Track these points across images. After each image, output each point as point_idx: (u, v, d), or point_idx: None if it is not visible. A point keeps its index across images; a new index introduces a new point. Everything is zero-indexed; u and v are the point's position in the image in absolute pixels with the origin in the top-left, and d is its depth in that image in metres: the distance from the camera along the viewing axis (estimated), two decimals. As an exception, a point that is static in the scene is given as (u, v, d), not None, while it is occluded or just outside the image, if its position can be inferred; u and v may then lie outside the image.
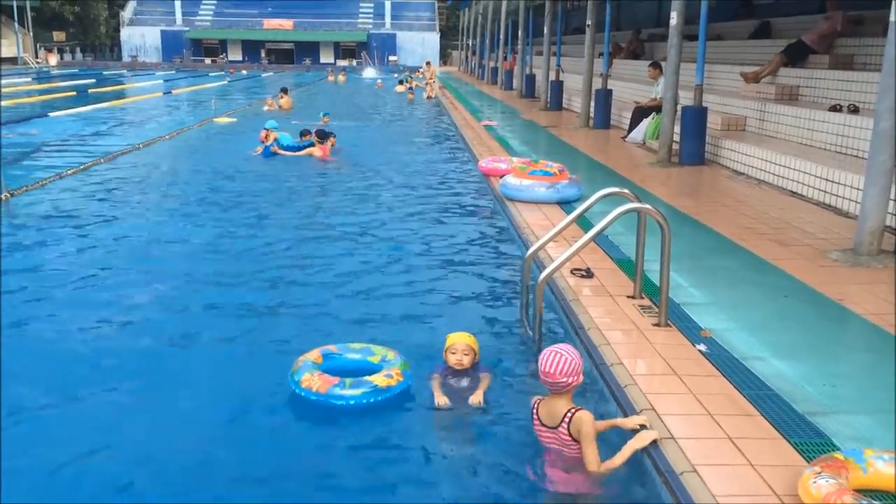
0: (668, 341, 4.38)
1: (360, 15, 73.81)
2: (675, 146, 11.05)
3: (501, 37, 30.66)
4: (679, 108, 11.04)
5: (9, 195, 8.92)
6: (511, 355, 4.57)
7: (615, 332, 4.52)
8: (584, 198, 6.76)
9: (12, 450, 3.50)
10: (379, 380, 3.91)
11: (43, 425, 3.78)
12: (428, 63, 37.22)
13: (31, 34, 62.01)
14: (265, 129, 13.04)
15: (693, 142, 10.76)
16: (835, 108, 9.54)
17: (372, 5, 74.04)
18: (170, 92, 30.25)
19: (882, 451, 2.96)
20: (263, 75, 48.98)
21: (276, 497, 3.22)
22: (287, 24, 70.89)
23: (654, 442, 3.24)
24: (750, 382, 3.83)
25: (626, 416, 3.55)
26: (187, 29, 70.54)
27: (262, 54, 69.85)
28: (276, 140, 12.88)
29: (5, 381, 4.17)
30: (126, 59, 66.56)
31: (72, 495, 3.22)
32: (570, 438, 3.28)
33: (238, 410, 3.92)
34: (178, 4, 71.25)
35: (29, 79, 38.93)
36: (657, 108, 12.42)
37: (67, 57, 65.96)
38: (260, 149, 12.78)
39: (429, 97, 27.47)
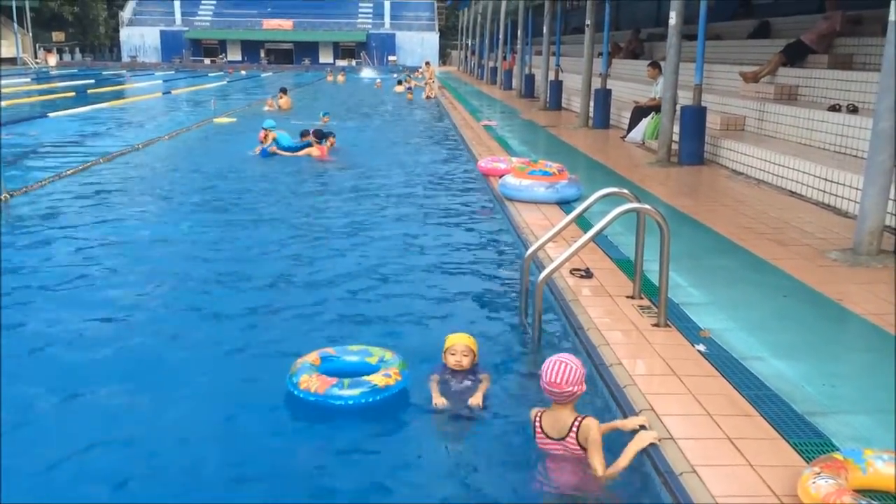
0: (667, 341, 4.37)
1: (360, 15, 73.83)
2: (675, 146, 11.05)
3: (501, 36, 30.67)
4: (678, 107, 11.04)
5: (8, 196, 8.91)
6: (510, 356, 4.57)
7: (614, 333, 4.52)
8: (584, 198, 6.76)
9: (11, 449, 3.50)
10: (377, 379, 3.90)
11: (41, 425, 3.78)
12: (427, 63, 37.21)
13: (31, 34, 62.03)
14: (263, 128, 13.04)
15: (692, 142, 10.76)
16: (834, 108, 9.54)
17: (371, 5, 74.06)
18: (169, 92, 30.24)
19: (881, 451, 2.96)
20: (263, 75, 48.97)
21: (275, 498, 3.22)
22: (286, 24, 70.91)
23: (653, 443, 3.24)
24: (749, 383, 3.82)
25: (625, 416, 3.54)
26: (187, 29, 70.55)
27: (262, 54, 69.87)
28: (274, 140, 12.87)
29: (5, 380, 4.17)
30: (125, 59, 66.55)
31: (70, 495, 3.21)
32: (578, 447, 3.27)
33: (237, 412, 3.91)
34: (177, 5, 71.27)
35: (28, 79, 38.91)
36: (656, 108, 12.42)
37: (67, 57, 65.97)
38: (259, 149, 12.78)
39: (428, 97, 27.46)
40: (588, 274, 5.60)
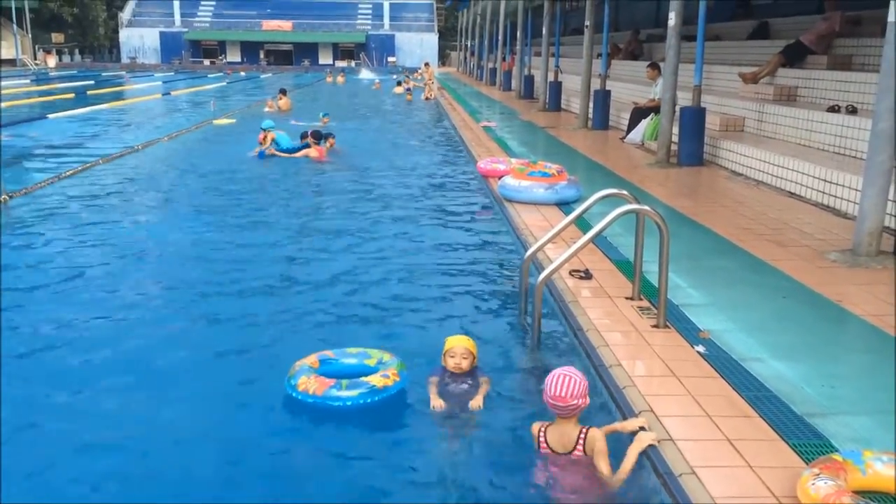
0: (666, 342, 4.37)
1: (359, 16, 73.86)
2: (674, 147, 11.05)
3: (500, 38, 30.67)
4: (677, 108, 11.05)
5: (8, 197, 8.91)
6: (510, 357, 4.56)
7: (614, 334, 4.52)
8: (583, 199, 6.76)
9: (11, 449, 3.51)
10: (376, 380, 3.90)
11: (40, 425, 3.78)
12: (427, 64, 37.23)
13: (30, 36, 62.05)
14: (262, 129, 13.04)
15: (691, 142, 10.77)
16: (833, 109, 9.54)
17: (370, 6, 74.10)
18: (169, 93, 30.23)
19: (881, 452, 2.96)
20: (262, 77, 48.97)
21: (274, 499, 3.22)
22: (286, 25, 70.94)
23: (653, 444, 3.24)
24: (749, 384, 3.82)
25: (624, 418, 3.54)
26: (186, 30, 70.57)
27: (261, 55, 69.88)
28: (273, 140, 12.87)
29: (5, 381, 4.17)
30: (125, 60, 66.54)
31: (70, 495, 3.22)
32: (584, 458, 3.26)
33: (235, 414, 3.91)
34: (176, 6, 71.30)
35: (27, 80, 38.91)
36: (656, 109, 12.42)
37: (66, 58, 65.96)
38: (257, 150, 12.78)
39: (427, 98, 27.47)
40: (587, 275, 5.60)
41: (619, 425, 3.47)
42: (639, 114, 13.45)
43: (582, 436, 3.27)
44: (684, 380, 3.88)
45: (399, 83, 32.18)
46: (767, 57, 12.38)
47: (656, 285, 4.63)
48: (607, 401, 3.81)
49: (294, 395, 3.90)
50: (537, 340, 4.63)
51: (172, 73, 51.56)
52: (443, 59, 74.91)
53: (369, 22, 73.23)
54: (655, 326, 4.59)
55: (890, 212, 6.41)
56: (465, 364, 4.07)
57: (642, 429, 3.36)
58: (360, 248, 7.10)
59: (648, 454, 3.21)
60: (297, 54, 70.25)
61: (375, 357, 4.19)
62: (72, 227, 7.85)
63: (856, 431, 3.35)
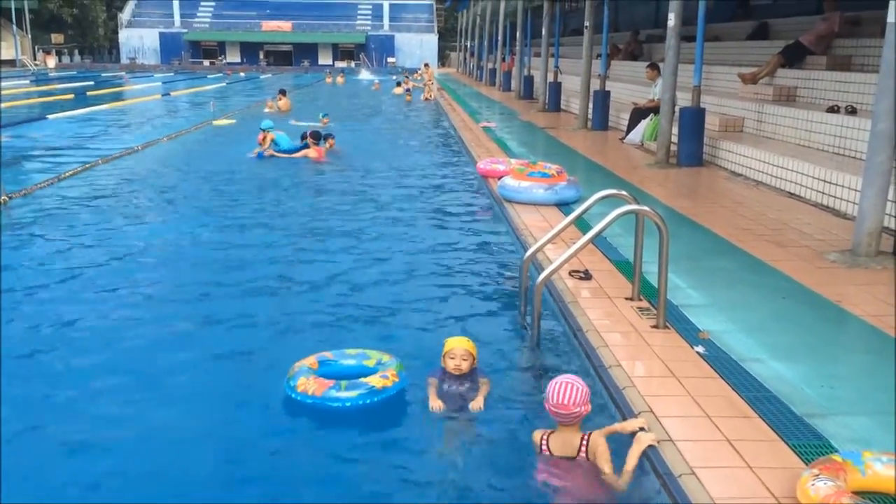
0: (666, 343, 4.37)
1: (359, 17, 73.85)
2: (674, 147, 11.06)
3: (500, 38, 30.68)
4: (677, 109, 11.05)
5: (7, 198, 8.91)
6: (509, 358, 4.56)
7: (613, 334, 4.52)
8: (583, 199, 6.76)
9: (10, 450, 3.51)
10: (375, 381, 3.91)
11: (39, 425, 3.78)
12: (426, 65, 37.25)
13: (30, 36, 62.02)
14: (261, 129, 13.04)
15: (691, 143, 10.77)
16: (832, 109, 9.55)
17: (370, 7, 74.09)
18: (168, 94, 30.23)
19: (880, 453, 2.96)
20: (262, 77, 48.97)
21: (273, 500, 3.22)
22: (286, 25, 70.92)
23: (652, 444, 3.24)
24: (748, 384, 3.82)
25: (624, 418, 3.54)
26: (186, 31, 70.56)
27: (261, 56, 69.86)
28: (273, 141, 12.87)
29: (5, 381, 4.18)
30: (124, 61, 66.50)
31: (68, 496, 3.22)
32: (586, 462, 3.26)
33: (234, 415, 3.91)
34: (176, 6, 71.27)
35: (27, 81, 38.90)
36: (655, 110, 12.42)
37: (66, 59, 65.94)
38: (256, 151, 12.78)
39: (427, 99, 27.47)
40: (587, 275, 5.60)
41: (618, 426, 3.47)
42: (638, 114, 13.45)
43: (584, 442, 3.27)
44: (684, 380, 3.88)
45: (398, 84, 32.19)
46: (767, 57, 12.38)
47: (656, 286, 4.63)
48: (607, 401, 3.81)
49: (293, 395, 3.90)
50: (537, 341, 4.63)
51: (172, 74, 51.54)
52: (442, 59, 74.90)
53: (369, 22, 73.23)
54: (655, 327, 4.59)
55: (889, 212, 6.42)
56: (464, 365, 4.06)
57: (642, 429, 3.36)
58: (359, 249, 7.10)
59: (648, 455, 3.21)
60: (297, 55, 70.23)
61: (374, 358, 4.19)
62: (71, 228, 7.85)
63: (855, 432, 3.35)
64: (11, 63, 56.21)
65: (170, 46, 69.19)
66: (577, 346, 4.52)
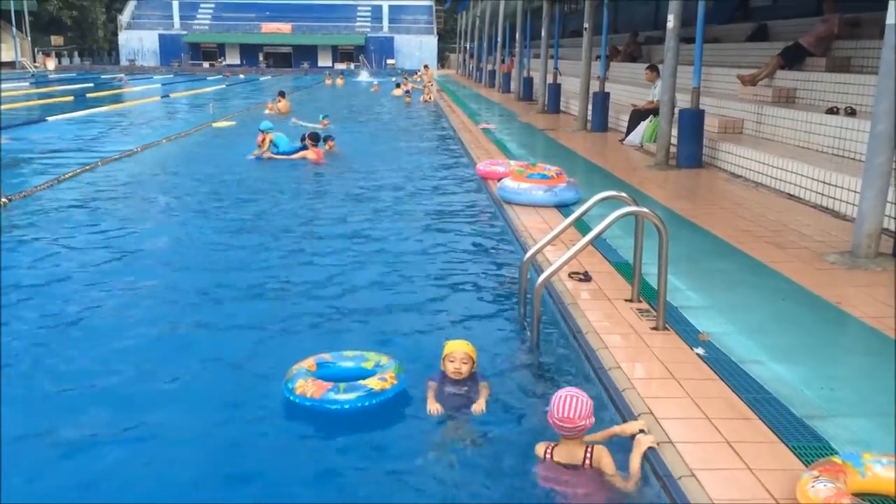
0: (666, 345, 4.37)
1: (358, 18, 73.89)
2: (673, 149, 11.06)
3: (499, 40, 30.68)
4: (676, 110, 11.06)
5: (7, 200, 8.91)
6: (509, 360, 4.56)
7: (613, 336, 4.51)
8: (582, 201, 6.77)
9: (10, 450, 3.52)
10: (373, 383, 3.90)
11: (38, 426, 3.77)
12: (426, 66, 37.30)
13: (29, 38, 62.02)
14: (260, 130, 13.03)
15: (690, 144, 10.77)
16: (832, 111, 9.55)
17: (370, 9, 74.14)
18: (168, 96, 30.24)
19: (880, 454, 2.96)
20: (261, 79, 48.97)
21: (270, 502, 3.22)
22: (285, 27, 70.96)
23: (651, 446, 3.24)
24: (748, 386, 3.82)
25: (624, 420, 3.54)
26: (185, 33, 70.60)
27: (260, 58, 69.89)
28: (272, 142, 12.87)
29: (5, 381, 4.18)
30: (124, 63, 66.54)
31: (66, 496, 3.22)
32: (590, 469, 3.25)
33: (233, 417, 3.90)
34: (175, 8, 71.33)
35: (27, 83, 38.90)
36: (654, 111, 12.43)
37: (65, 61, 65.93)
38: (255, 153, 12.78)
39: (426, 100, 27.48)
40: (586, 277, 5.60)
41: (618, 429, 3.46)
42: (638, 116, 13.46)
43: (588, 454, 3.26)
44: (684, 382, 3.88)
45: (398, 85, 32.21)
46: (766, 59, 12.39)
47: (655, 287, 4.63)
48: (607, 403, 3.81)
49: (292, 398, 3.90)
50: (536, 343, 4.63)
51: (171, 76, 51.55)
52: (442, 61, 74.93)
53: (368, 24, 73.27)
54: (655, 329, 4.59)
55: (889, 213, 6.42)
56: (464, 369, 4.05)
57: (642, 431, 3.35)
58: (357, 251, 7.10)
59: (648, 457, 3.21)
60: (297, 57, 70.25)
61: (373, 360, 4.19)
62: (70, 230, 7.84)
63: (855, 434, 3.35)
64: (11, 65, 56.21)
65: (169, 48, 69.22)
66: (576, 348, 4.51)
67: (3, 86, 31.44)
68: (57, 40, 67.28)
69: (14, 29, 58.89)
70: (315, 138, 12.96)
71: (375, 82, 39.44)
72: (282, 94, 22.29)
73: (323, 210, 9.01)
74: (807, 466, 2.99)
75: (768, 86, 11.89)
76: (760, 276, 5.68)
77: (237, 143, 14.56)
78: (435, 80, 35.16)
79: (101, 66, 66.14)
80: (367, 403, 3.83)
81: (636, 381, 3.89)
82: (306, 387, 3.87)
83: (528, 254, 5.18)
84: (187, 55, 68.84)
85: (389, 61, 69.32)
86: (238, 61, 69.61)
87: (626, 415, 3.58)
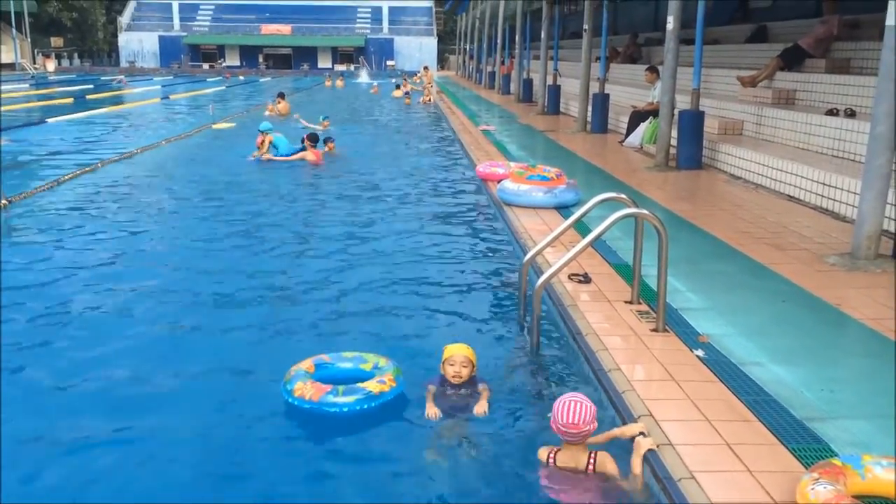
0: (665, 347, 4.37)
1: (358, 20, 73.88)
2: (673, 150, 11.07)
3: (499, 41, 30.69)
4: (676, 112, 11.06)
5: (7, 202, 8.91)
6: (509, 362, 4.56)
7: (613, 338, 4.51)
8: (582, 202, 6.76)
9: (10, 448, 3.53)
10: (372, 386, 3.90)
11: (38, 426, 3.78)
12: (426, 68, 37.31)
13: (29, 40, 62.00)
14: (260, 132, 13.03)
15: (690, 146, 10.77)
16: (831, 112, 9.56)
17: (369, 10, 74.12)
18: (167, 97, 30.24)
19: (880, 456, 2.95)
20: (261, 80, 48.99)
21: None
22: (285, 29, 70.95)
23: (651, 448, 3.24)
24: (748, 388, 3.82)
25: (624, 422, 3.53)
26: (185, 34, 70.58)
27: (260, 59, 69.87)
28: (271, 143, 12.86)
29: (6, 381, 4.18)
30: (124, 64, 66.52)
31: (65, 496, 3.22)
32: (593, 474, 3.25)
33: (231, 419, 3.90)
34: (175, 10, 71.31)
35: (27, 85, 38.91)
36: (654, 113, 12.43)
37: (65, 63, 65.93)
38: (256, 154, 12.78)
39: (426, 102, 27.48)
40: (586, 279, 5.60)
41: (618, 431, 3.46)
42: (637, 117, 13.46)
43: (592, 460, 3.26)
44: (683, 384, 3.87)
45: (398, 87, 32.21)
46: (766, 60, 12.40)
47: (655, 289, 4.63)
48: (606, 405, 3.81)
49: (290, 400, 3.89)
50: (536, 344, 4.63)
51: (171, 77, 51.56)
52: (442, 62, 74.94)
53: (368, 26, 73.26)
54: (654, 330, 4.59)
55: (888, 215, 6.42)
56: (464, 373, 4.03)
57: (642, 434, 3.35)
58: (356, 252, 7.10)
59: (648, 459, 3.21)
60: (297, 58, 70.22)
61: (371, 361, 4.19)
62: (69, 232, 7.84)
63: (855, 436, 3.34)
64: (11, 67, 56.20)
65: (169, 50, 69.20)
66: (576, 350, 4.51)
67: (3, 87, 31.44)
68: (57, 42, 67.28)
69: (14, 30, 58.89)
70: (314, 139, 12.94)
71: (375, 84, 39.44)
72: (281, 96, 22.29)
73: (322, 211, 9.01)
74: (807, 468, 2.99)
75: (768, 87, 11.90)
76: (760, 277, 5.67)
77: (237, 145, 14.56)
78: (434, 82, 35.16)
79: (101, 67, 66.10)
80: (365, 406, 3.82)
81: (636, 382, 3.89)
82: (305, 389, 3.87)
83: (528, 255, 5.18)
84: (187, 57, 68.82)
85: (389, 63, 69.32)
86: (238, 63, 69.59)
87: (625, 417, 3.57)
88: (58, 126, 18.70)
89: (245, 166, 12.29)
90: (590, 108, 16.08)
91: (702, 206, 8.35)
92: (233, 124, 18.75)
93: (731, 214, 7.84)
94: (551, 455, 3.33)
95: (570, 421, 3.23)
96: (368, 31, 72.71)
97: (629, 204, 4.91)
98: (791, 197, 8.58)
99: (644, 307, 5.01)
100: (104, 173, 11.53)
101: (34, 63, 60.42)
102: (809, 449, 3.22)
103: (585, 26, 16.26)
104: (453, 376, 4.03)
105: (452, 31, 68.95)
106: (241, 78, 51.67)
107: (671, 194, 9.11)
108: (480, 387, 4.06)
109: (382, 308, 5.56)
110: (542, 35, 20.74)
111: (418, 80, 39.00)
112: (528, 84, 25.21)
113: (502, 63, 31.30)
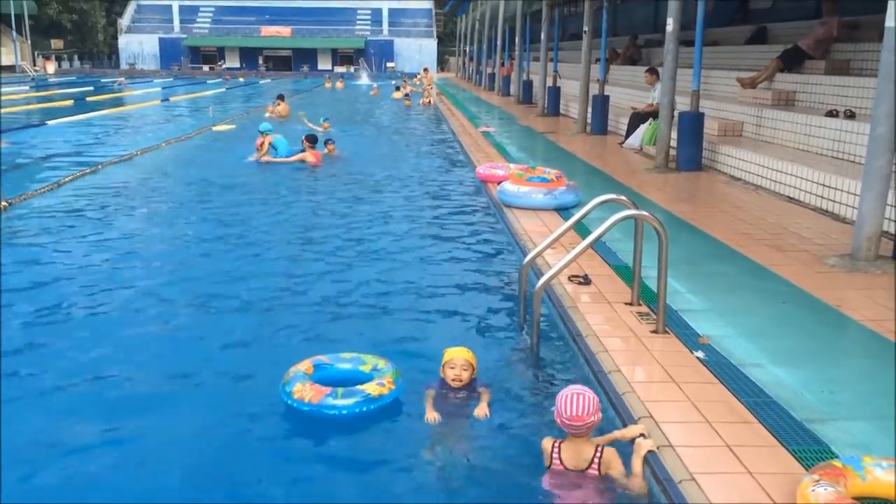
0: (666, 348, 4.36)
1: (358, 22, 73.91)
2: (672, 152, 11.07)
3: (499, 43, 30.70)
4: (676, 113, 11.06)
5: (7, 204, 8.91)
6: (509, 364, 4.56)
7: (613, 340, 4.51)
8: (582, 204, 6.76)
9: (10, 448, 3.53)
10: (371, 388, 3.89)
11: (39, 426, 3.78)
12: (426, 69, 37.26)
13: (29, 42, 62.03)
14: (260, 132, 13.03)
15: (690, 147, 10.78)
16: (831, 114, 9.56)
17: (369, 12, 74.14)
18: (167, 99, 30.26)
19: (881, 458, 2.95)
20: (261, 82, 49.02)
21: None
22: (285, 31, 70.97)
23: (651, 450, 3.23)
24: (748, 389, 3.81)
25: (624, 424, 3.53)
26: (185, 36, 70.61)
27: (260, 61, 69.88)
28: (271, 144, 12.87)
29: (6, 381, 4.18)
30: (124, 66, 66.54)
31: (64, 497, 3.23)
32: (598, 475, 3.24)
33: (230, 421, 3.89)
34: (175, 12, 71.34)
35: (27, 87, 38.92)
36: (654, 114, 12.43)
37: (65, 65, 65.95)
38: (255, 156, 12.78)
39: (426, 103, 27.49)
40: (586, 280, 5.60)
41: (618, 433, 3.46)
42: (637, 119, 13.46)
43: (598, 455, 3.24)
44: (684, 385, 3.87)
45: (398, 88, 32.21)
46: (765, 62, 12.40)
47: (655, 291, 4.62)
48: (607, 407, 3.80)
49: (289, 402, 3.89)
50: (536, 346, 4.62)
51: (171, 79, 51.58)
52: (441, 64, 74.98)
53: (368, 27, 73.28)
54: (654, 332, 4.58)
55: (888, 216, 6.41)
56: (465, 376, 4.02)
57: (642, 436, 3.35)
58: (356, 253, 7.10)
59: (648, 461, 3.20)
60: (296, 60, 70.24)
61: (370, 363, 4.18)
62: (69, 234, 7.83)
63: (855, 437, 3.34)
64: (11, 69, 56.23)
65: (169, 52, 69.21)
66: (576, 352, 4.51)
67: (4, 89, 31.45)
68: (57, 44, 67.30)
69: (14, 32, 58.92)
70: (312, 140, 12.94)
71: (375, 85, 39.47)
72: (281, 98, 22.31)
73: (322, 213, 9.01)
74: (807, 470, 2.98)
75: (768, 88, 11.90)
76: (760, 279, 5.67)
77: (237, 147, 14.55)
78: (434, 84, 35.16)
79: (101, 69, 66.15)
80: (364, 409, 3.82)
81: (636, 384, 3.89)
82: (304, 391, 3.86)
83: (528, 257, 5.18)
84: (187, 59, 68.83)
85: (389, 64, 69.33)
86: (238, 65, 69.61)
87: (625, 418, 3.57)
88: (58, 128, 18.71)
89: (244, 168, 12.30)
90: (590, 110, 16.09)
91: (702, 208, 8.35)
92: (233, 126, 18.75)
93: (731, 216, 7.84)
94: (556, 446, 3.30)
95: (575, 413, 3.21)
96: (368, 32, 72.73)
97: (629, 205, 4.91)
98: (791, 198, 8.58)
99: (644, 309, 5.01)
100: (104, 175, 11.53)
101: (34, 65, 60.44)
102: (810, 450, 3.22)
103: (585, 28, 16.28)
104: (453, 380, 4.02)
105: (452, 32, 68.98)
106: (241, 80, 51.72)
107: (671, 196, 9.11)
108: (481, 389, 4.04)
109: (382, 310, 5.56)
110: (542, 37, 20.75)
111: (418, 82, 39.02)
112: (527, 86, 25.22)
113: (502, 65, 31.31)
